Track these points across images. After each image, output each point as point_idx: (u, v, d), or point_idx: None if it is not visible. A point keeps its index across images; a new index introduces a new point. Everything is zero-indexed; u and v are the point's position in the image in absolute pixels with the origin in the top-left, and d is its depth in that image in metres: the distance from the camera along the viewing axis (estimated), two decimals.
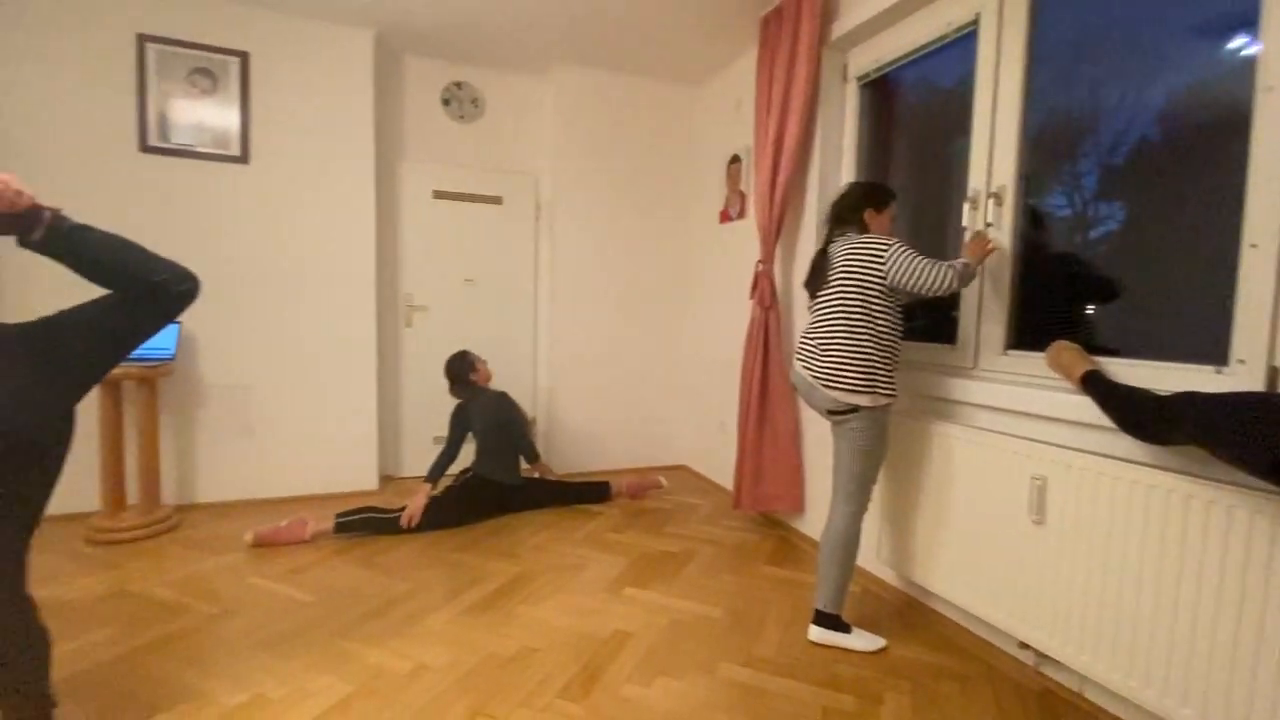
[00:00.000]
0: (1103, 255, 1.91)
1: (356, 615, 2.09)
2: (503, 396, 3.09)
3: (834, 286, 1.94)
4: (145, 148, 2.98)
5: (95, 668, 1.75)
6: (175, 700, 1.63)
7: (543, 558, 2.60)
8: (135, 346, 1.44)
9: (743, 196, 3.45)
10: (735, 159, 3.52)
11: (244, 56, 3.10)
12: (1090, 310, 1.97)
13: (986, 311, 2.10)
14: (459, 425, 3.07)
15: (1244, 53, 1.49)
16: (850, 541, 1.95)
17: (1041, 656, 1.82)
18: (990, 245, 1.97)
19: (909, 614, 2.20)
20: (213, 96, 3.09)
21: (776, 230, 2.83)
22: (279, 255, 3.21)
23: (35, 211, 1.33)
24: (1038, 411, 1.81)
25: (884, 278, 1.86)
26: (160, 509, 2.84)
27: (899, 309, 1.92)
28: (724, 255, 3.66)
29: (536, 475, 3.27)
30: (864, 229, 1.99)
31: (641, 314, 4.02)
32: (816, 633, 1.97)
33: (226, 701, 1.63)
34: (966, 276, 1.86)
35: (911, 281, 1.83)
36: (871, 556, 2.38)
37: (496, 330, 3.86)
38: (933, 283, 1.82)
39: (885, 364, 1.89)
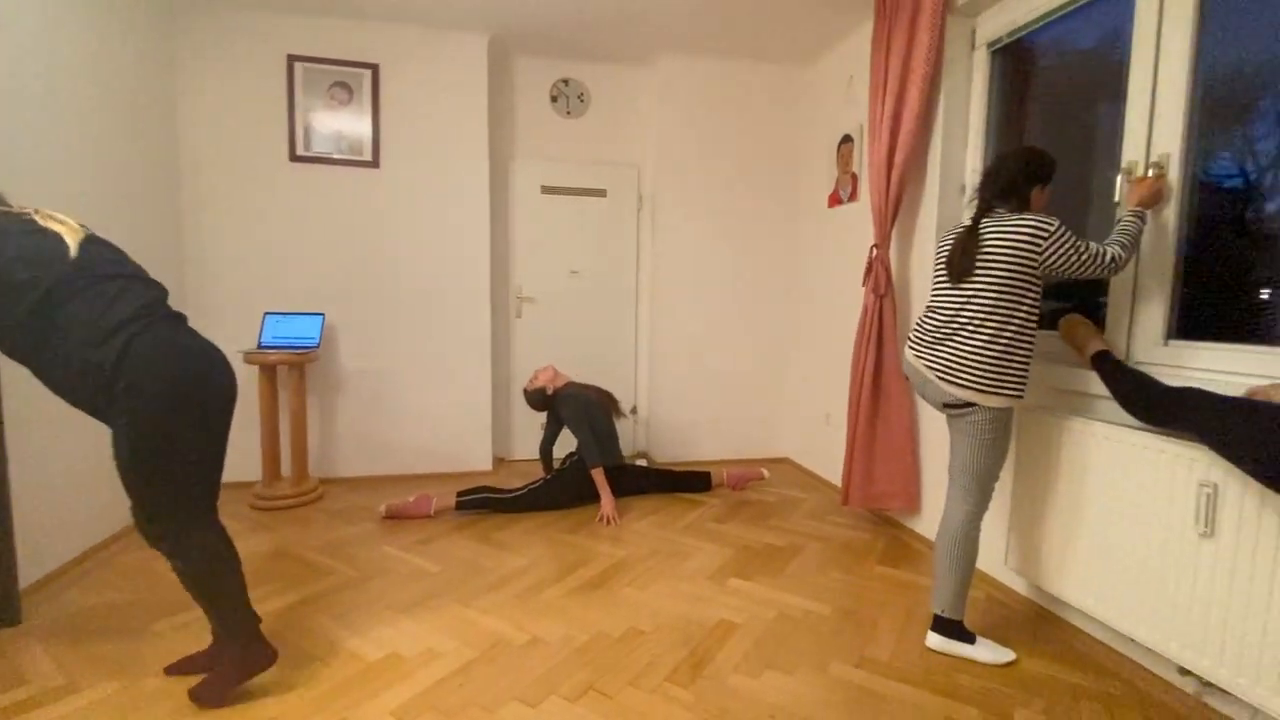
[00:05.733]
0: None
1: (478, 586, 2.24)
2: (567, 399, 3.05)
3: (976, 273, 1.75)
4: (294, 157, 3.32)
5: (265, 617, 1.99)
6: (327, 652, 1.82)
7: (647, 543, 2.65)
8: None
9: (854, 178, 3.29)
10: (847, 139, 3.37)
11: (374, 68, 3.36)
12: (1266, 294, 1.71)
13: (1143, 294, 1.87)
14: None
15: None
16: (968, 542, 1.82)
17: (1206, 685, 1.62)
18: (1160, 182, 1.75)
19: (1040, 626, 2.03)
20: (349, 107, 3.38)
21: (893, 212, 2.68)
22: (405, 252, 3.47)
23: None
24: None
25: (1037, 265, 1.68)
26: (308, 481, 3.18)
27: (1039, 298, 1.74)
28: (833, 241, 3.52)
29: (643, 464, 3.31)
30: (1025, 206, 1.77)
31: (744, 303, 3.96)
32: (936, 640, 1.86)
33: (368, 656, 1.80)
34: (1132, 247, 1.69)
35: (1072, 269, 1.67)
36: (998, 562, 2.22)
37: (600, 320, 3.95)
38: (1098, 268, 1.66)
39: (1019, 361, 1.72)
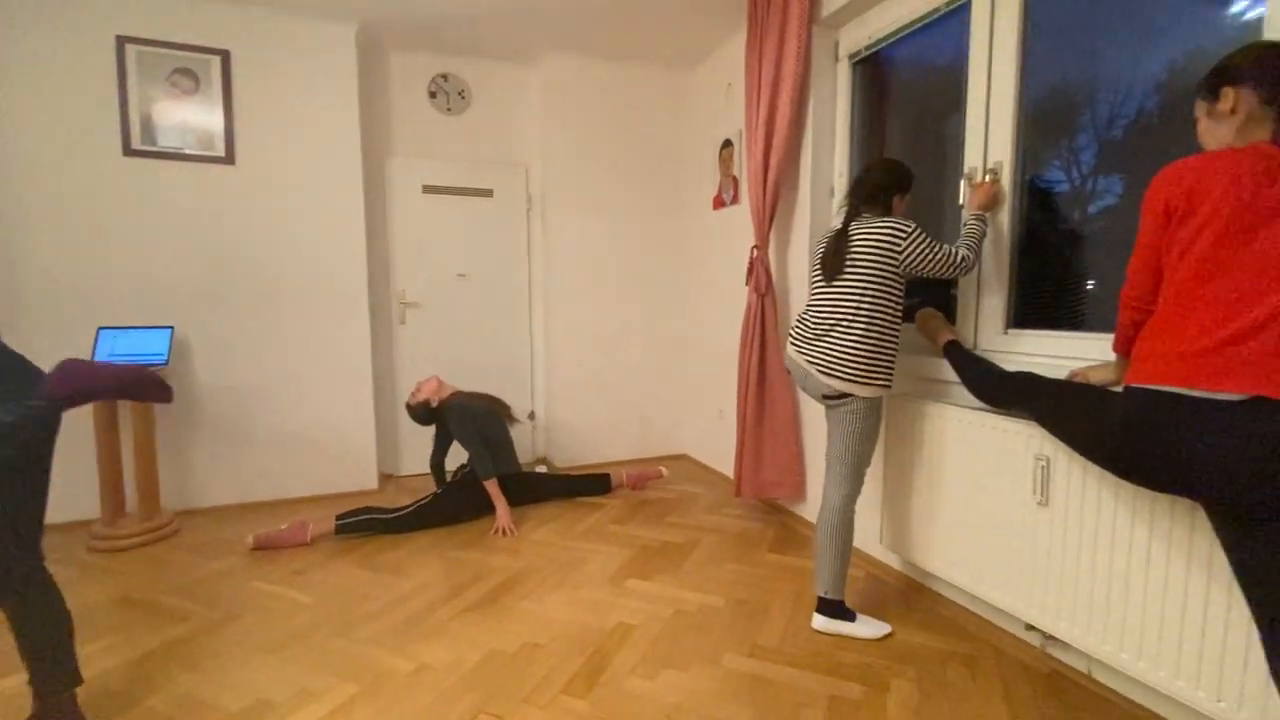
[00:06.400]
0: (1101, 230, 1.88)
1: (359, 616, 2.08)
2: (454, 410, 2.93)
3: (846, 271, 1.87)
4: (129, 151, 2.94)
5: (99, 675, 1.74)
6: (179, 708, 1.62)
7: (545, 552, 2.59)
8: None
9: (736, 181, 3.40)
10: (727, 143, 3.47)
11: (224, 55, 3.05)
12: (1091, 285, 1.94)
13: (986, 288, 2.06)
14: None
15: (1248, 15, 1.45)
16: (846, 526, 1.93)
17: (1048, 638, 1.80)
18: (996, 187, 1.95)
19: (913, 598, 2.18)
20: (195, 97, 3.04)
21: (771, 215, 2.79)
22: (269, 255, 3.18)
23: None
24: None
25: (899, 264, 1.82)
26: (160, 515, 2.83)
27: (903, 295, 1.89)
28: (719, 242, 3.62)
29: (542, 470, 3.25)
30: (888, 212, 1.92)
31: (638, 303, 3.98)
32: (820, 621, 1.96)
33: (229, 707, 1.62)
34: (978, 248, 1.87)
35: (928, 268, 1.82)
36: (874, 541, 2.37)
37: (491, 324, 3.83)
38: (950, 267, 1.82)
39: (887, 353, 1.86)
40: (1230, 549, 1.14)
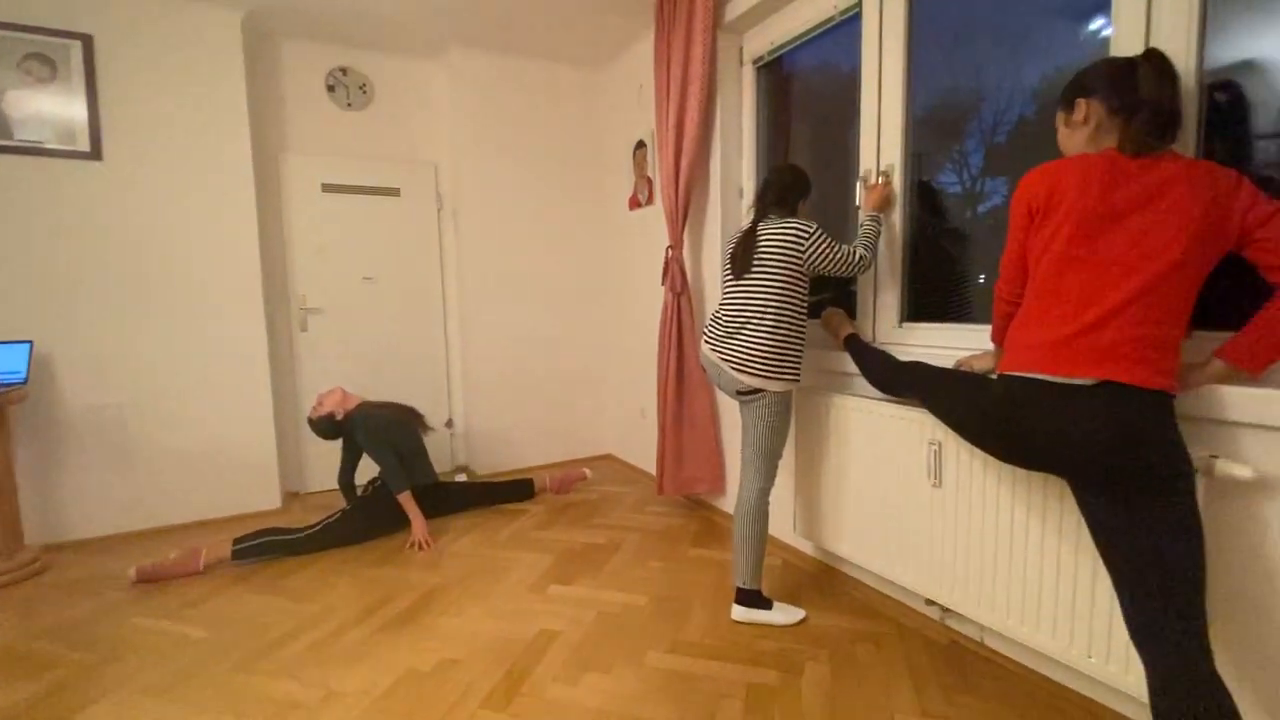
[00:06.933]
0: (989, 229, 2.02)
1: (260, 646, 1.94)
2: (361, 421, 2.77)
3: (754, 269, 1.94)
4: None
5: None
6: None
7: (465, 563, 2.52)
8: None
9: (650, 182, 3.43)
10: (641, 144, 3.50)
11: (86, 40, 2.76)
12: (983, 280, 2.09)
13: (882, 285, 2.18)
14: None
15: (1103, 33, 1.60)
16: (761, 517, 2.00)
17: (946, 611, 1.93)
18: (888, 189, 2.06)
19: (826, 582, 2.28)
20: (52, 86, 2.74)
21: (684, 215, 2.83)
22: (146, 260, 2.91)
23: None
24: None
25: (803, 263, 1.90)
26: (24, 551, 2.53)
27: (808, 292, 1.97)
28: (636, 242, 3.64)
29: (463, 479, 3.14)
30: (793, 214, 2.00)
31: (557, 304, 3.94)
32: (739, 612, 2.01)
33: None
34: (874, 248, 1.97)
35: (829, 266, 1.91)
36: (789, 529, 2.45)
37: (403, 329, 3.68)
38: (849, 266, 1.91)
39: (795, 348, 1.94)
40: (1091, 522, 1.25)
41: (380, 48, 3.50)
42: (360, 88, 3.51)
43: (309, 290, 3.42)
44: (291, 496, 3.41)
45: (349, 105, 3.50)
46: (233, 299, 3.08)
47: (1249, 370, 1.22)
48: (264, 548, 2.53)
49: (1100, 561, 1.45)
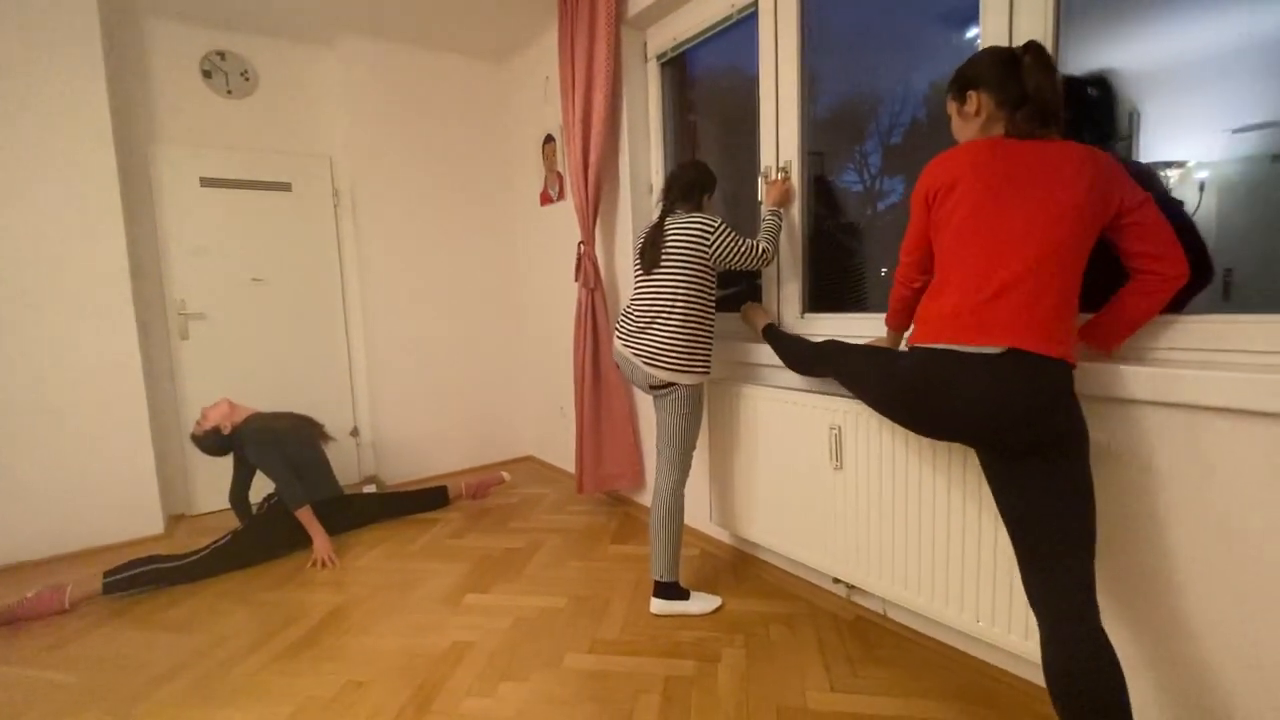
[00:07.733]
0: (887, 225, 2.11)
1: (139, 685, 1.76)
2: (251, 435, 2.58)
3: (662, 264, 1.95)
4: None
5: None
6: None
7: (373, 579, 2.39)
8: None
9: (560, 177, 3.38)
10: (549, 139, 3.44)
11: None
12: (884, 272, 2.18)
13: (785, 277, 2.25)
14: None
15: (978, 43, 1.70)
16: (677, 509, 2.02)
17: (851, 588, 2.02)
18: (787, 184, 2.12)
19: (741, 568, 2.33)
20: None
21: (594, 211, 2.80)
22: None
23: None
24: None
25: (709, 257, 1.92)
26: None
27: (715, 286, 2.00)
28: (548, 238, 3.58)
29: (372, 490, 2.98)
30: (699, 208, 2.03)
31: (468, 304, 3.81)
32: (657, 604, 2.02)
33: None
34: (776, 241, 2.01)
35: (734, 260, 1.93)
36: (706, 519, 2.49)
37: (299, 334, 3.44)
38: (753, 259, 1.94)
39: (705, 341, 1.96)
40: (996, 489, 1.29)
41: (263, 31, 3.25)
42: (242, 74, 3.25)
43: (189, 294, 3.13)
44: (176, 520, 3.12)
45: (229, 93, 3.23)
46: (97, 306, 2.77)
47: (1103, 349, 1.33)
48: (141, 578, 2.29)
49: (986, 535, 1.56)
